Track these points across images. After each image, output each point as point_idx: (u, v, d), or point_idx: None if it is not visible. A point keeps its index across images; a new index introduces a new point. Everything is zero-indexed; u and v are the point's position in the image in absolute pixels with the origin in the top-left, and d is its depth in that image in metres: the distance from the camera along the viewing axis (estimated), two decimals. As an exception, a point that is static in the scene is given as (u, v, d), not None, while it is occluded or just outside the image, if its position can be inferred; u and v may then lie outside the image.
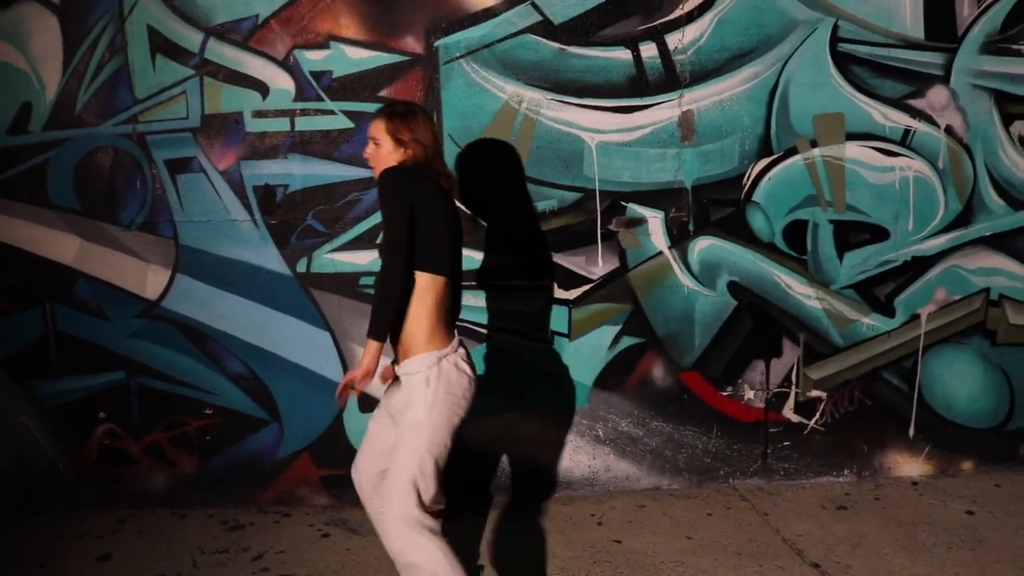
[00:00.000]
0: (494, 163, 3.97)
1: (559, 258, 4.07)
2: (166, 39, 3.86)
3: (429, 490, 2.62)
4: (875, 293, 4.21)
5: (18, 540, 3.82)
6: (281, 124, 3.92)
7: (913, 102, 4.07)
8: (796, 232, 4.13)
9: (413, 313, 2.68)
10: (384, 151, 2.76)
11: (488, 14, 3.89)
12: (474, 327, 4.06)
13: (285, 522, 3.97)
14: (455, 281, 2.82)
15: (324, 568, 3.50)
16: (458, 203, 3.86)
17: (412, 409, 2.65)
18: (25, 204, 3.95)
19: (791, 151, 4.06)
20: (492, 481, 4.18)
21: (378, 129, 2.77)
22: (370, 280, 3.97)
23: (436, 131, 2.84)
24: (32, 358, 4.05)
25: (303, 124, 3.92)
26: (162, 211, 3.95)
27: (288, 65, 3.88)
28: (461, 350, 2.77)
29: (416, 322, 2.68)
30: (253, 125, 3.91)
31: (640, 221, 4.06)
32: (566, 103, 3.96)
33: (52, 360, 4.05)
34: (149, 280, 4.01)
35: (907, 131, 4.06)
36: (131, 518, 4.02)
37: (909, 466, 4.34)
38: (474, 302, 4.02)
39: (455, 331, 2.81)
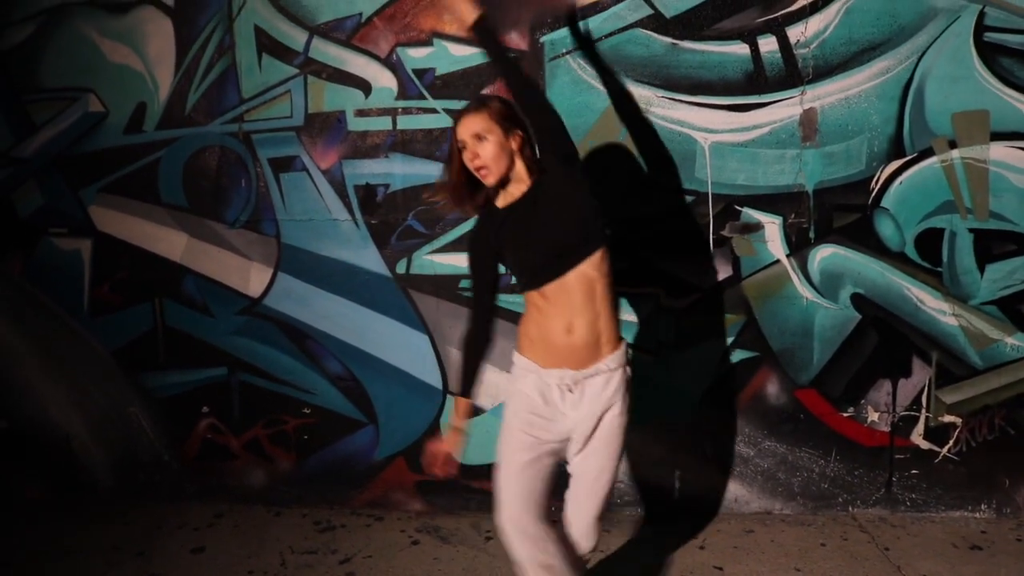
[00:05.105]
0: (600, 163, 3.78)
1: (667, 265, 3.85)
2: (272, 38, 3.88)
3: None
4: (1021, 310, 3.77)
5: (121, 527, 3.93)
6: (383, 123, 3.87)
7: (1072, 98, 3.63)
8: (930, 241, 3.76)
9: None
10: (495, 143, 2.45)
11: (596, 8, 3.71)
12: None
13: (376, 526, 3.92)
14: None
15: (408, 577, 3.43)
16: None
17: None
18: (138, 201, 4.06)
19: (926, 152, 3.70)
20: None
21: (478, 122, 2.45)
22: (468, 283, 3.86)
23: None
24: (141, 351, 4.15)
25: (405, 123, 3.86)
26: (265, 209, 3.98)
27: (391, 63, 3.83)
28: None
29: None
30: (355, 124, 3.88)
31: (756, 227, 3.80)
32: (677, 101, 3.73)
33: (160, 353, 4.14)
34: (252, 278, 4.04)
35: (1064, 130, 3.63)
36: (229, 512, 4.07)
37: (1057, 504, 3.89)
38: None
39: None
